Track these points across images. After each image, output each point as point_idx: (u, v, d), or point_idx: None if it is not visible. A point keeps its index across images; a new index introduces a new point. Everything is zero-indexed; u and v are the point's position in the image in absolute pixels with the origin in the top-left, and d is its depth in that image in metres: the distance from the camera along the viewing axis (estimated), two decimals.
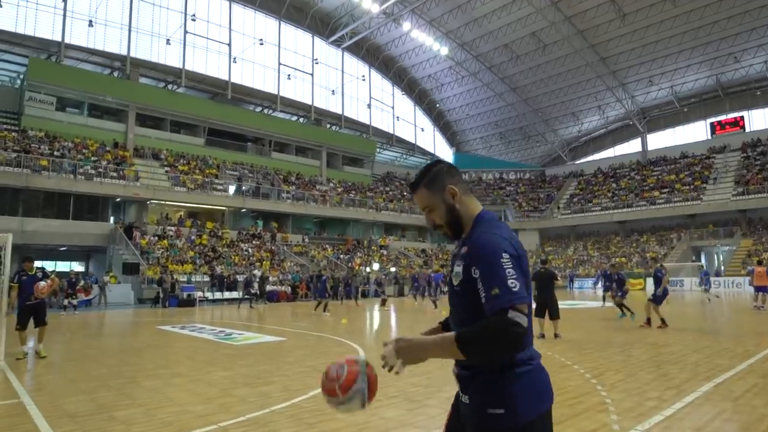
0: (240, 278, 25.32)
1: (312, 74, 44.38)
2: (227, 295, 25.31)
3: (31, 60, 30.27)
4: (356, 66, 48.26)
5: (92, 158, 29.20)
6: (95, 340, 11.40)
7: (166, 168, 32.51)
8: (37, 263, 9.01)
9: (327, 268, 28.77)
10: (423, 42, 43.56)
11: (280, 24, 42.05)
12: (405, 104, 53.45)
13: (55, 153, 28.01)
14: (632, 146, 51.38)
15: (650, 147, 49.68)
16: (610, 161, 51.61)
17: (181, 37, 36.76)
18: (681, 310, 16.44)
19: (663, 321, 11.26)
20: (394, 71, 50.58)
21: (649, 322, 11.48)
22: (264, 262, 29.55)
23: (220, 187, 33.60)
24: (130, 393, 5.78)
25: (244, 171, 37.17)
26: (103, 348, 9.86)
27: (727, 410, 4.73)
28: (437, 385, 5.99)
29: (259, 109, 43.08)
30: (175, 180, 31.48)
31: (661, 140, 49.41)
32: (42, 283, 8.33)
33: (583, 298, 24.86)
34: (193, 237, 30.10)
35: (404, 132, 53.45)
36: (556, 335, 9.90)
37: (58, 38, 31.59)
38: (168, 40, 36.09)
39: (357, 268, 32.57)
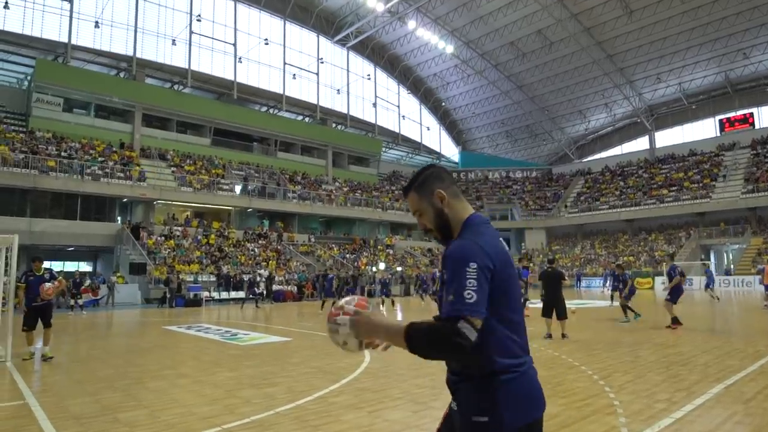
0: (246, 278, 25.37)
1: (317, 73, 44.40)
2: (233, 294, 25.36)
3: (38, 61, 30.47)
4: (361, 65, 48.22)
5: (99, 159, 29.35)
6: (102, 340, 11.44)
7: (172, 168, 32.64)
8: (45, 263, 8.96)
9: (333, 268, 28.75)
10: (428, 40, 43.47)
11: (285, 23, 42.09)
12: (410, 103, 53.37)
13: (63, 154, 28.18)
14: (640, 144, 51.02)
15: (658, 144, 49.31)
16: (617, 159, 51.27)
17: (186, 38, 36.89)
18: (690, 310, 16.26)
19: (675, 320, 11.03)
20: (399, 70, 50.50)
21: (674, 321, 11.01)
22: (270, 262, 29.60)
23: (226, 187, 33.69)
24: (135, 394, 5.78)
25: (250, 171, 37.24)
26: (109, 348, 9.88)
27: (738, 413, 4.64)
28: (442, 386, 5.90)
29: (264, 108, 43.15)
30: (181, 180, 31.60)
31: (669, 138, 49.02)
32: (47, 285, 8.26)
33: (590, 297, 24.69)
34: (199, 237, 30.19)
35: (410, 131, 53.37)
36: (563, 335, 9.81)
37: (65, 39, 31.79)
38: (174, 40, 36.23)
39: (363, 267, 32.55)
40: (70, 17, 31.90)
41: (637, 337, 10.05)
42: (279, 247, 32.67)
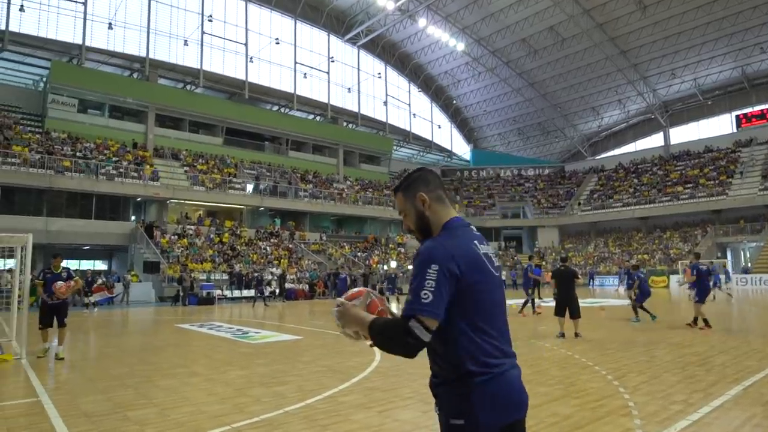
0: (254, 276, 25.49)
1: (328, 72, 44.45)
2: (246, 293, 25.49)
3: (53, 63, 30.89)
4: (372, 63, 48.18)
5: (113, 159, 29.69)
6: (115, 338, 11.54)
7: (185, 168, 32.91)
8: (63, 263, 8.98)
9: (345, 267, 28.82)
10: (439, 38, 43.28)
11: (295, 23, 42.18)
12: (421, 101, 53.21)
13: (78, 154, 28.56)
14: (654, 140, 50.33)
15: (673, 141, 48.61)
16: (631, 156, 50.64)
17: (198, 38, 37.15)
18: (706, 309, 15.96)
19: (695, 321, 10.75)
20: (410, 68, 50.37)
21: (706, 323, 10.66)
22: (282, 261, 29.71)
23: (238, 186, 33.89)
24: (146, 392, 5.80)
25: (262, 170, 37.42)
26: (122, 346, 9.96)
27: (757, 415, 4.53)
28: None
29: (275, 108, 43.31)
30: (194, 179, 31.85)
31: (684, 134, 48.30)
32: (59, 283, 8.23)
33: (604, 296, 24.42)
34: (212, 236, 30.40)
35: (421, 129, 53.22)
36: (576, 335, 9.69)
37: (79, 41, 32.19)
38: (186, 41, 36.51)
39: (374, 265, 32.54)
40: (84, 19, 32.29)
41: (652, 336, 9.89)
42: (291, 246, 32.78)
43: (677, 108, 48.17)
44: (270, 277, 25.83)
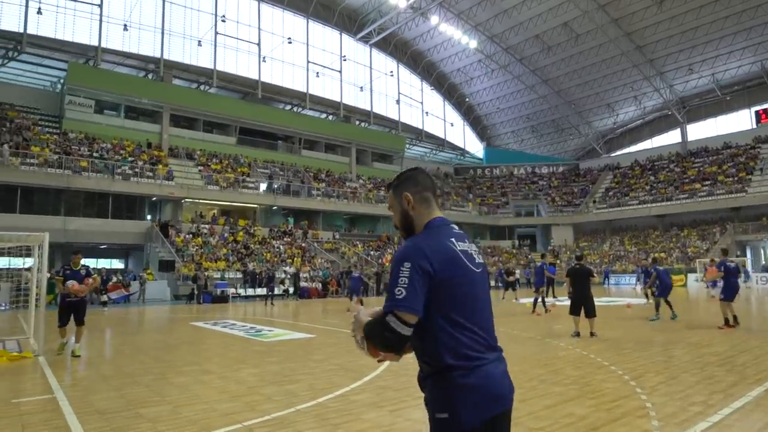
0: (265, 274, 25.62)
1: (340, 71, 44.48)
2: (259, 291, 25.64)
3: (70, 65, 31.34)
4: (384, 62, 48.10)
5: (129, 159, 30.05)
6: (131, 336, 11.66)
7: (199, 167, 33.20)
8: (81, 261, 9.00)
9: (357, 265, 28.78)
10: (451, 35, 43.06)
11: (308, 22, 42.27)
12: (434, 99, 53.00)
13: (95, 154, 28.97)
14: (671, 137, 49.54)
15: (690, 137, 47.78)
16: (647, 153, 49.90)
17: (211, 38, 37.42)
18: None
19: (728, 322, 10.38)
20: (422, 66, 50.20)
21: (728, 323, 10.40)
22: (295, 259, 29.83)
23: (251, 185, 34.10)
24: (159, 390, 5.83)
25: (275, 169, 37.59)
26: (137, 344, 10.06)
27: None
28: None
29: (288, 107, 43.47)
30: (208, 179, 32.13)
31: (701, 130, 47.43)
32: (71, 282, 8.22)
33: (620, 294, 24.10)
34: (225, 234, 30.63)
35: (433, 127, 53.02)
36: (592, 334, 9.55)
37: (95, 43, 32.61)
38: (199, 41, 36.79)
39: (387, 264, 32.50)
40: (100, 21, 32.70)
41: (670, 336, 9.71)
42: (304, 245, 32.90)
43: (695, 104, 47.33)
44: (283, 275, 25.94)
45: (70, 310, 8.39)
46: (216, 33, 37.53)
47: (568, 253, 41.34)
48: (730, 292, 10.51)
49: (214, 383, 6.16)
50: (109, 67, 33.97)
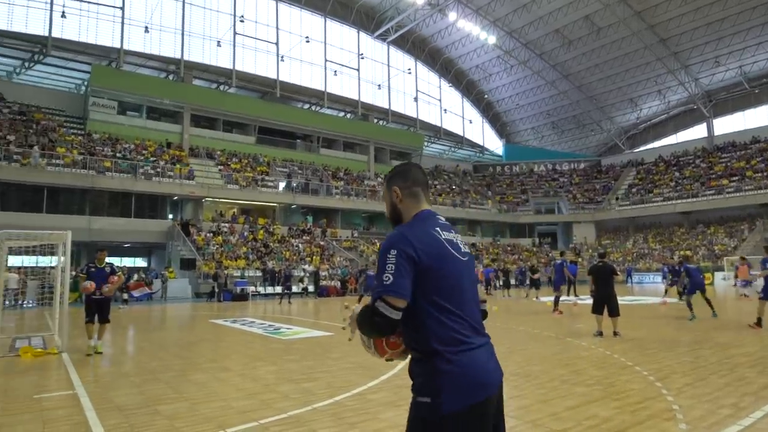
0: (294, 273, 25.77)
1: (358, 69, 44.49)
2: (278, 289, 25.77)
3: (93, 67, 31.96)
4: (402, 59, 47.95)
5: (151, 159, 30.53)
6: (152, 333, 11.81)
7: (219, 167, 33.55)
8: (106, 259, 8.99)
9: (375, 263, 28.78)
10: (470, 32, 42.68)
11: (325, 21, 42.36)
12: (452, 96, 52.65)
13: (118, 154, 29.49)
14: (697, 132, 48.31)
15: (717, 132, 46.53)
16: (672, 148, 48.75)
17: (230, 39, 37.78)
18: (756, 307, 15.18)
19: (760, 321, 9.98)
20: (440, 63, 49.89)
21: (760, 322, 10.03)
22: (314, 258, 29.94)
23: (270, 183, 34.33)
24: (177, 387, 5.86)
25: (294, 168, 37.79)
26: (158, 341, 10.17)
27: None
28: None
29: (306, 106, 43.65)
30: (227, 178, 32.45)
31: (729, 125, 46.15)
32: (87, 283, 8.16)
33: (643, 293, 23.57)
34: (245, 233, 30.91)
35: (452, 124, 52.68)
36: (615, 333, 9.31)
37: (117, 45, 33.20)
38: (219, 42, 37.18)
39: None
40: (122, 23, 33.28)
41: (697, 336, 9.42)
42: (322, 243, 33.00)
43: (721, 97, 46.05)
44: (302, 274, 26.01)
45: (95, 307, 8.37)
46: (235, 33, 37.88)
47: (590, 251, 40.65)
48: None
49: (232, 380, 6.17)
50: (131, 69, 34.55)
